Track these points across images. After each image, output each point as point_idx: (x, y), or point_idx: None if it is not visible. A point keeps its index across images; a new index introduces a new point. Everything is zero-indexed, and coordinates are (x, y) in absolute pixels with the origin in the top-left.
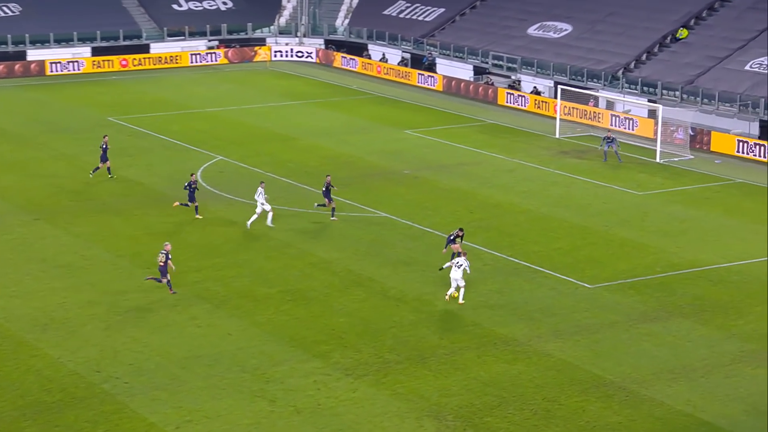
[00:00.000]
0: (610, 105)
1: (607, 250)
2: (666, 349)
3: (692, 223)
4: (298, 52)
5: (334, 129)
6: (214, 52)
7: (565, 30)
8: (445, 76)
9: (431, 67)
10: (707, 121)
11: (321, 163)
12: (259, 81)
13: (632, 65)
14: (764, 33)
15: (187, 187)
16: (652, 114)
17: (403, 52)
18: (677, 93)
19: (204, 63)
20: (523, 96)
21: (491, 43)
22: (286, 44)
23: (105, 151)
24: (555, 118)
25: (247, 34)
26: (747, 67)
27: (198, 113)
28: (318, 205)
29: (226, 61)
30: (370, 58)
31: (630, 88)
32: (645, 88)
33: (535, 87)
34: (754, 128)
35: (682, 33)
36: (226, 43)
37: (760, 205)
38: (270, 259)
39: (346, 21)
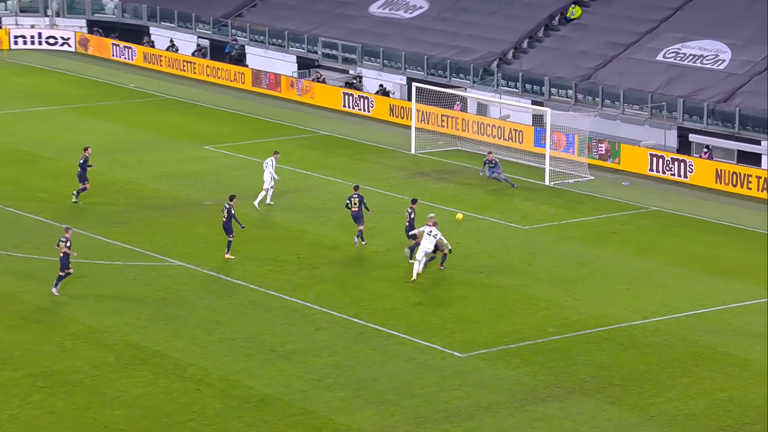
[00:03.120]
0: (482, 109)
1: (483, 305)
2: None
3: (594, 267)
4: (49, 37)
5: (104, 145)
6: None
7: (420, 8)
8: (257, 71)
9: (239, 59)
10: (610, 128)
11: (85, 193)
12: None
13: (510, 55)
14: (680, 11)
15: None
16: (539, 120)
17: (200, 38)
18: (570, 92)
19: None
20: (366, 98)
21: (321, 25)
22: (32, 27)
23: (84, 168)
24: (409, 128)
25: None
26: (659, 57)
27: None
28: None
29: None
30: (153, 46)
31: (508, 86)
32: (528, 86)
33: (381, 86)
34: (672, 138)
35: (575, 11)
36: None
37: (683, 240)
38: (14, 329)
39: None
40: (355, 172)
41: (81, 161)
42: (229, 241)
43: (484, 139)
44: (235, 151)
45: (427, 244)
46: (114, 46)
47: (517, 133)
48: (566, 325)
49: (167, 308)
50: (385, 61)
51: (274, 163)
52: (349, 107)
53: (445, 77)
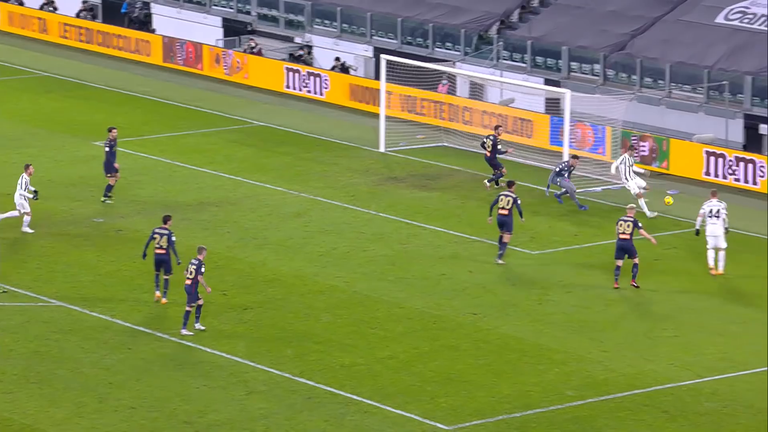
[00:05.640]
0: (476, 90)
1: (476, 358)
2: None
3: (629, 306)
4: None
5: None
6: None
7: None
8: (168, 39)
9: (143, 22)
10: (652, 117)
11: None
12: None
13: (515, 17)
14: None
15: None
16: (554, 106)
17: None
18: (597, 67)
19: None
20: (318, 75)
21: None
22: None
23: (112, 154)
24: (377, 117)
25: None
26: (720, 19)
27: None
28: None
29: None
30: (21, 3)
31: (513, 60)
32: (540, 60)
33: (338, 59)
34: (736, 130)
35: None
36: None
37: (751, 269)
38: None
39: None
40: (302, 177)
41: (107, 148)
42: (166, 280)
43: (480, 131)
44: (137, 149)
45: (713, 229)
46: None
47: (525, 123)
48: (590, 386)
49: (42, 366)
50: (344, 25)
51: (629, 161)
52: (294, 88)
53: (427, 47)
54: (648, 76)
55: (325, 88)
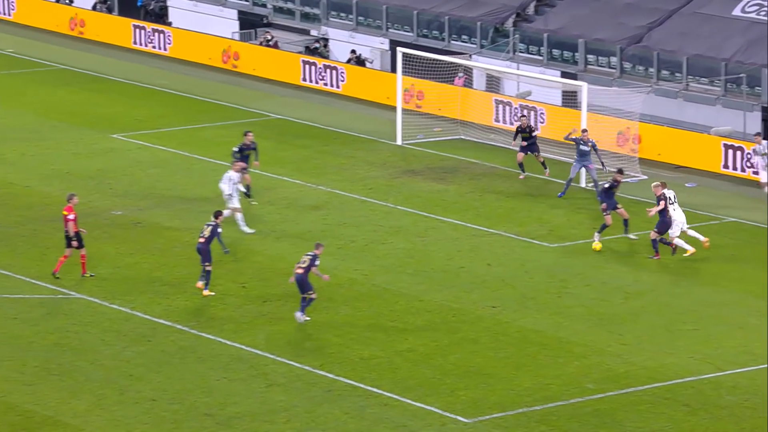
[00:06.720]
0: (493, 83)
1: (496, 352)
2: None
3: (649, 300)
4: None
5: None
6: None
7: None
8: (186, 32)
9: (159, 15)
10: (669, 110)
11: None
12: None
13: (531, 9)
14: None
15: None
16: (571, 99)
17: None
18: (614, 60)
19: None
20: (335, 68)
21: None
22: None
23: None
24: (394, 109)
25: None
26: (737, 11)
27: None
28: None
29: None
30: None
31: (529, 53)
32: (556, 53)
33: (354, 52)
34: (754, 122)
35: None
36: None
37: None
38: None
39: None
40: (320, 170)
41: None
42: (208, 272)
43: (497, 125)
44: (154, 142)
45: (679, 215)
46: None
47: (542, 116)
48: (611, 379)
49: (63, 358)
50: (359, 17)
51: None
52: (310, 81)
53: (443, 40)
54: (665, 69)
55: (341, 81)
